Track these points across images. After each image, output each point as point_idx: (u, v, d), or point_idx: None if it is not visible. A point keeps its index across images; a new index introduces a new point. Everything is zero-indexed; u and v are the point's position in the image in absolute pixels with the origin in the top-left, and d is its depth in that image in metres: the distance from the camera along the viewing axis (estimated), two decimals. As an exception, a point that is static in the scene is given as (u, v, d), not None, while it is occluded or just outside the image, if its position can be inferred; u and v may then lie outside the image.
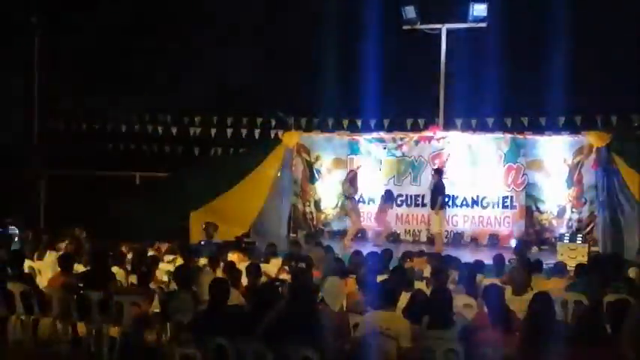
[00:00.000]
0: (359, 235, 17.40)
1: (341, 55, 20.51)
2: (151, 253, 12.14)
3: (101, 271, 9.33)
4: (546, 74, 18.11)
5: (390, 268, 10.12)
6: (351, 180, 16.76)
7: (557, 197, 16.99)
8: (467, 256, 13.27)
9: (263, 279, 9.58)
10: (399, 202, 17.61)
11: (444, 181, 16.38)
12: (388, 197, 17.08)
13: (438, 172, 16.33)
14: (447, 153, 17.59)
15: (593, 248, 15.47)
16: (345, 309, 7.93)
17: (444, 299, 7.06)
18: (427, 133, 17.81)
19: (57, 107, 20.55)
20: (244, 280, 9.17)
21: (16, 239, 13.84)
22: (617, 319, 6.41)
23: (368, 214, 17.78)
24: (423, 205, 17.27)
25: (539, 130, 17.53)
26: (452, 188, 17.12)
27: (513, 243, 15.93)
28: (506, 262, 11.82)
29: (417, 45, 18.73)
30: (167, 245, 13.35)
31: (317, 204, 18.56)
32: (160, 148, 19.86)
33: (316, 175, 18.56)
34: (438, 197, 15.93)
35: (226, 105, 20.58)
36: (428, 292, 8.34)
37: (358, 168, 17.74)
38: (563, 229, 16.49)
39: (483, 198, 17.40)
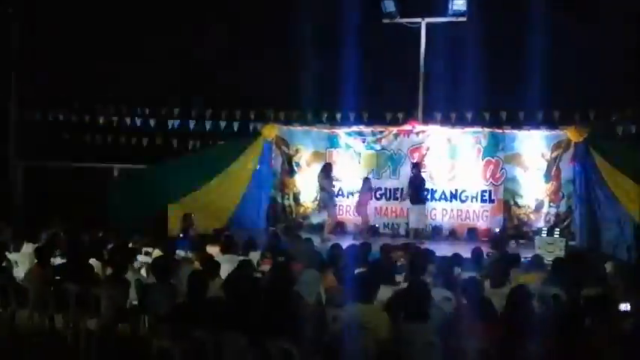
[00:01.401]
0: (338, 228, 17.41)
1: (320, 48, 20.46)
2: (131, 245, 12.11)
3: (78, 263, 9.28)
4: (525, 69, 18.16)
5: (369, 262, 10.15)
6: (327, 173, 16.74)
7: (535, 191, 17.08)
8: (445, 250, 13.29)
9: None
10: (377, 196, 17.62)
11: (423, 175, 16.55)
12: (366, 186, 16.96)
13: (417, 167, 16.43)
14: (426, 147, 17.63)
15: (571, 242, 15.57)
16: (322, 301, 7.92)
17: (421, 293, 7.07)
18: (406, 127, 17.85)
19: (34, 97, 20.36)
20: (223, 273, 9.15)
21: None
22: (595, 312, 6.45)
23: (347, 207, 17.81)
24: (402, 198, 17.29)
25: (517, 124, 17.64)
26: (431, 182, 17.23)
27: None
28: (485, 256, 11.86)
29: (396, 39, 18.72)
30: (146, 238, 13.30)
31: (296, 197, 18.55)
32: (138, 140, 19.75)
33: (295, 168, 18.55)
34: (419, 191, 16.04)
35: (205, 97, 20.49)
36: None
37: (334, 163, 17.74)
38: (540, 223, 16.64)
39: (462, 192, 17.46)
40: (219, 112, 19.64)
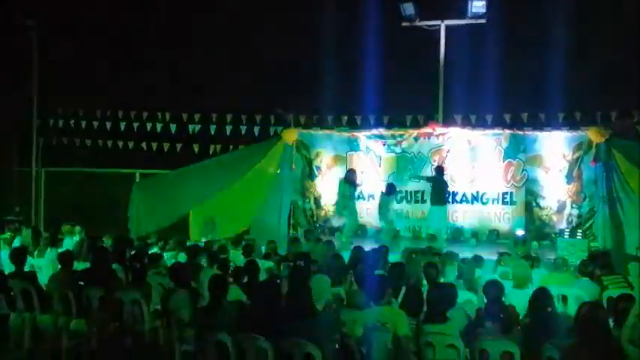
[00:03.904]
0: (359, 231, 17.39)
1: (340, 52, 20.51)
2: (154, 250, 12.20)
3: (102, 268, 9.34)
4: (545, 70, 18.11)
5: (389, 264, 10.15)
6: (350, 179, 16.70)
7: (557, 193, 16.96)
8: (467, 252, 13.27)
9: (263, 275, 9.62)
10: (398, 199, 17.58)
11: (445, 178, 16.47)
12: (390, 191, 16.85)
13: (439, 170, 16.33)
14: (447, 149, 17.57)
15: (593, 244, 15.45)
16: (333, 306, 7.91)
17: (441, 295, 7.07)
18: (427, 130, 17.76)
19: (56, 104, 20.51)
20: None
21: (17, 237, 13.82)
22: (619, 313, 6.41)
23: (368, 210, 17.79)
24: (423, 201, 17.25)
25: (538, 125, 17.51)
26: (452, 184, 17.17)
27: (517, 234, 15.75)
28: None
29: (416, 42, 18.72)
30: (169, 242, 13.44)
31: (317, 200, 18.54)
32: (160, 145, 19.84)
33: (316, 171, 18.54)
34: (442, 194, 15.97)
35: (225, 102, 20.55)
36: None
37: (354, 166, 17.76)
38: (563, 225, 16.50)
39: (483, 194, 17.39)
40: (240, 116, 19.67)
